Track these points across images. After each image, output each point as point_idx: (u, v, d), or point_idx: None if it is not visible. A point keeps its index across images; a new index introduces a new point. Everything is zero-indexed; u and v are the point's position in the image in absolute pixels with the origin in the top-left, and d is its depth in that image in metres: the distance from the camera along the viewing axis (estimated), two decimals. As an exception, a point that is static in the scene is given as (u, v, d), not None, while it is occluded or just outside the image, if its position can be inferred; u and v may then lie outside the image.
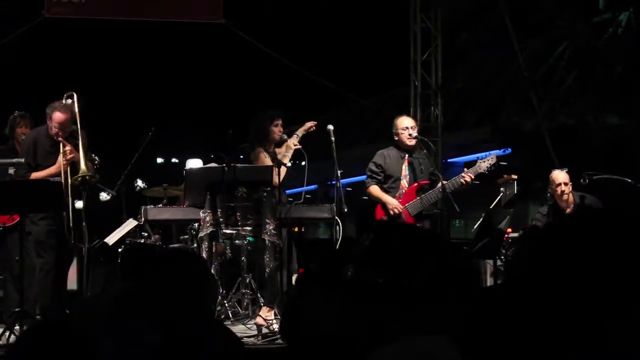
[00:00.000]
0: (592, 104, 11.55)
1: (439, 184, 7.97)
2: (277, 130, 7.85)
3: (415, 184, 8.08)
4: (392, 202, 7.97)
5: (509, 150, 13.80)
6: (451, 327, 2.15)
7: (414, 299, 2.15)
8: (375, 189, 8.14)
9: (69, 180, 7.34)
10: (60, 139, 7.41)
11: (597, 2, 12.00)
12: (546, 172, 8.70)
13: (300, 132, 7.95)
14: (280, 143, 7.93)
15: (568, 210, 8.32)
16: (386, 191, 8.11)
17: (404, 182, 8.11)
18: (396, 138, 8.20)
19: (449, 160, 13.27)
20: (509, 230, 8.02)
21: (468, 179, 7.90)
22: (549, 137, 11.21)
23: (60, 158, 7.40)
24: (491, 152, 14.03)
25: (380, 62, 17.29)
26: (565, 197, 8.35)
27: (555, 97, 12.28)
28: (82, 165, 7.35)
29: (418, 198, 8.01)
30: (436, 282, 2.20)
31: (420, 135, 8.28)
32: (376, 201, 8.09)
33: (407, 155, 8.14)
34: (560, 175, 8.43)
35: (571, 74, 12.94)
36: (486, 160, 8.06)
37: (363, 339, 2.37)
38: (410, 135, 8.07)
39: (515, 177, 8.77)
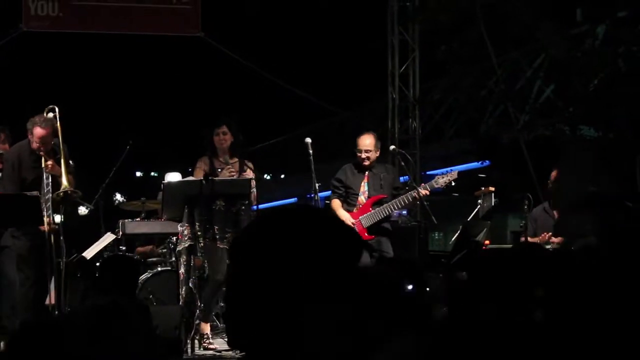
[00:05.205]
0: (570, 116, 11.59)
1: (397, 200, 8.00)
2: (217, 140, 7.80)
3: (372, 198, 8.11)
4: (343, 215, 7.94)
5: (488, 162, 13.84)
6: None
7: None
8: (334, 204, 8.19)
9: (51, 196, 7.30)
10: (41, 153, 7.38)
11: (574, 14, 12.06)
12: (524, 185, 8.76)
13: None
14: (233, 151, 7.83)
15: (555, 212, 8.48)
16: (349, 205, 8.11)
17: (362, 198, 8.13)
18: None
19: (428, 172, 13.27)
20: (487, 242, 8.05)
21: (422, 194, 7.90)
22: (527, 149, 11.26)
23: None
24: (469, 165, 14.10)
25: (359, 74, 17.33)
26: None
27: (533, 110, 12.32)
28: (64, 181, 7.30)
29: (372, 211, 8.01)
30: None
31: (398, 147, 8.27)
32: None
33: (367, 172, 8.16)
34: (554, 172, 8.64)
35: (549, 86, 12.99)
36: (445, 176, 8.10)
37: None
38: (364, 158, 8.10)
39: (492, 189, 8.79)
